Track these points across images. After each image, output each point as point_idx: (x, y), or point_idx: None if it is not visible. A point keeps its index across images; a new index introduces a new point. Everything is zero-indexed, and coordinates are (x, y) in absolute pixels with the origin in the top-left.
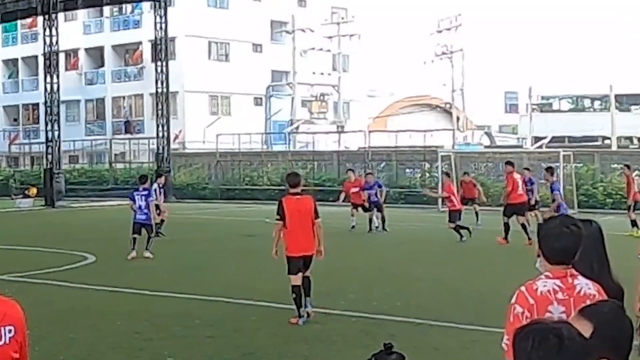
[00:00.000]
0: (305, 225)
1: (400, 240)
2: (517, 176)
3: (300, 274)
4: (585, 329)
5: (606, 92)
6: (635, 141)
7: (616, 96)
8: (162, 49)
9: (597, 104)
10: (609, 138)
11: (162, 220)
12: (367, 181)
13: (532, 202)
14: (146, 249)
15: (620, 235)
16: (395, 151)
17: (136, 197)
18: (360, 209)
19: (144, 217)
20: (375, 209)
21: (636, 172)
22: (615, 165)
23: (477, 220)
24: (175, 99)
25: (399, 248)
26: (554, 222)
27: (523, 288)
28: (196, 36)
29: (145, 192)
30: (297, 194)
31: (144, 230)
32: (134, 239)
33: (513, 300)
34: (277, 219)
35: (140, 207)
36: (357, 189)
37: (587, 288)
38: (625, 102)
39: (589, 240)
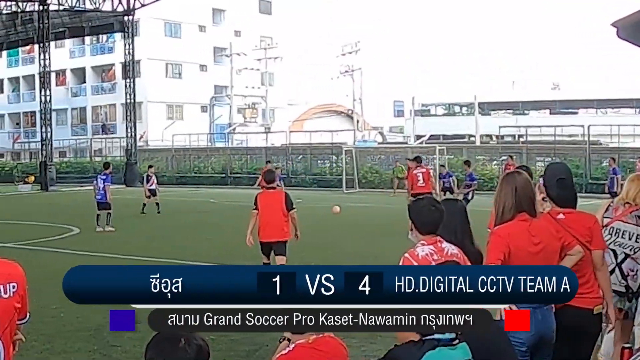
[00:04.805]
0: (275, 215)
1: (312, 216)
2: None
3: (268, 255)
4: None
5: (472, 100)
6: (494, 138)
7: (479, 103)
8: (130, 69)
9: (464, 109)
10: (474, 136)
11: (143, 203)
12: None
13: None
14: (107, 224)
15: (482, 210)
16: (310, 147)
17: (98, 180)
18: None
19: (99, 197)
20: None
21: (495, 162)
22: (479, 157)
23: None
24: (141, 107)
25: (311, 222)
26: (422, 202)
27: (407, 254)
28: (156, 59)
29: (104, 177)
30: (272, 188)
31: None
32: (98, 215)
33: (400, 264)
34: (253, 209)
35: (99, 188)
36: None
37: (452, 249)
38: (486, 108)
39: (455, 214)
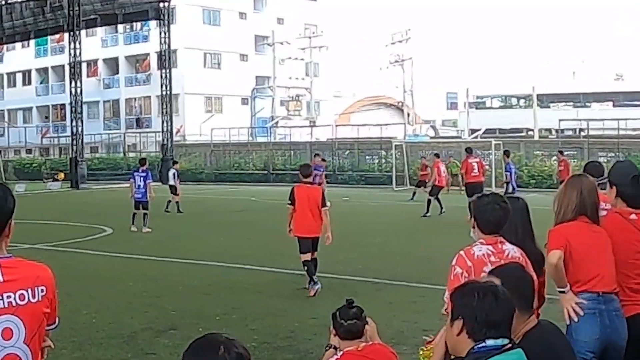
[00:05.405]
0: (312, 210)
1: (360, 214)
2: (471, 160)
3: (309, 253)
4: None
5: (530, 92)
6: (554, 132)
7: (538, 95)
8: (166, 59)
9: (522, 101)
10: (532, 130)
11: (177, 202)
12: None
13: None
14: (144, 225)
15: (542, 209)
16: (357, 141)
17: (136, 178)
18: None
19: (139, 195)
20: None
21: (554, 158)
22: (538, 152)
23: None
24: (177, 99)
25: (360, 221)
26: (486, 199)
27: (462, 252)
28: (194, 48)
29: (144, 174)
30: (309, 182)
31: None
32: (134, 214)
33: (453, 262)
34: (288, 204)
35: (139, 186)
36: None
37: (513, 252)
38: (545, 100)
39: (516, 213)
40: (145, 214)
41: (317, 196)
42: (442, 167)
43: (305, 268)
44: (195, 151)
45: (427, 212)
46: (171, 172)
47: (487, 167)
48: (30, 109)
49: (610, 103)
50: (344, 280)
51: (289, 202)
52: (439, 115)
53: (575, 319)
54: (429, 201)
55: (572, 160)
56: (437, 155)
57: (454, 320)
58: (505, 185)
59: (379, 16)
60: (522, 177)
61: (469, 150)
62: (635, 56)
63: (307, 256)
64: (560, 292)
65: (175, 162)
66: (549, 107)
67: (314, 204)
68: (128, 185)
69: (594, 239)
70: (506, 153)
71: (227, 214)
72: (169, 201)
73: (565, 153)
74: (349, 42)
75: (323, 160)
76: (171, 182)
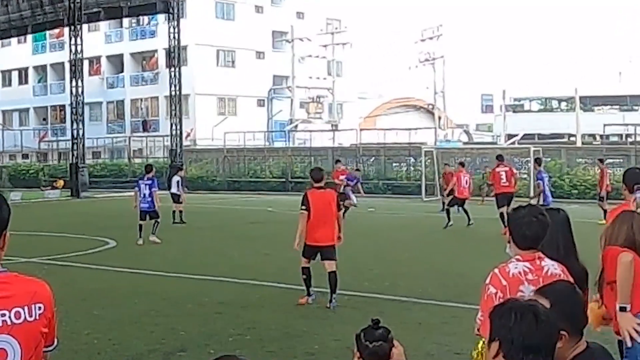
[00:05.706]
0: (326, 216)
1: (387, 226)
2: (499, 169)
3: (309, 260)
4: (544, 305)
5: (572, 94)
6: (598, 138)
7: (581, 98)
8: (175, 56)
9: (563, 104)
10: (574, 135)
11: (181, 211)
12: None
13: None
14: (152, 234)
15: (585, 222)
16: (384, 147)
17: (141, 186)
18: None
19: (146, 205)
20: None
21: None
22: (580, 160)
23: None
24: (187, 100)
25: (387, 234)
26: (523, 212)
27: (496, 270)
28: (205, 45)
29: (150, 182)
30: (321, 187)
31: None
32: (140, 225)
33: (487, 281)
34: (302, 210)
35: (144, 195)
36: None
37: (554, 269)
38: (589, 103)
39: (557, 226)
40: (156, 222)
41: (332, 200)
42: (465, 178)
43: (304, 277)
44: (207, 157)
45: (449, 221)
46: (175, 179)
47: (524, 174)
48: (27, 110)
49: None
50: (369, 299)
51: (303, 207)
52: (472, 119)
53: (639, 340)
54: (447, 210)
55: (618, 169)
56: (461, 164)
57: (491, 341)
58: (539, 196)
59: (408, 11)
60: (563, 187)
61: (499, 158)
62: None
63: (307, 262)
64: (622, 308)
65: (180, 169)
66: (592, 110)
67: (329, 209)
68: (132, 194)
69: None
70: (537, 161)
71: (241, 226)
72: (174, 211)
73: (611, 161)
74: (375, 39)
75: (357, 170)
76: (174, 190)
